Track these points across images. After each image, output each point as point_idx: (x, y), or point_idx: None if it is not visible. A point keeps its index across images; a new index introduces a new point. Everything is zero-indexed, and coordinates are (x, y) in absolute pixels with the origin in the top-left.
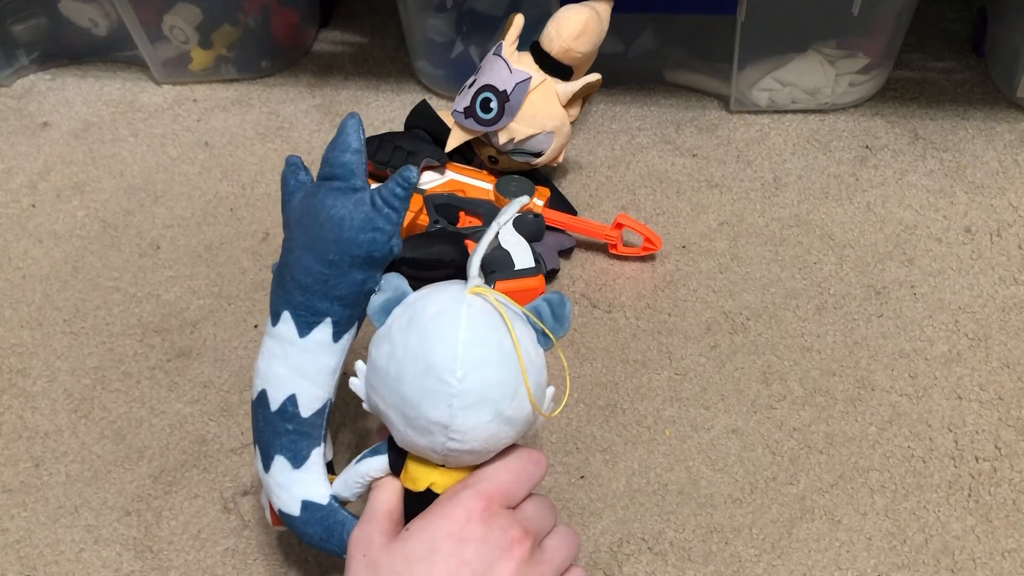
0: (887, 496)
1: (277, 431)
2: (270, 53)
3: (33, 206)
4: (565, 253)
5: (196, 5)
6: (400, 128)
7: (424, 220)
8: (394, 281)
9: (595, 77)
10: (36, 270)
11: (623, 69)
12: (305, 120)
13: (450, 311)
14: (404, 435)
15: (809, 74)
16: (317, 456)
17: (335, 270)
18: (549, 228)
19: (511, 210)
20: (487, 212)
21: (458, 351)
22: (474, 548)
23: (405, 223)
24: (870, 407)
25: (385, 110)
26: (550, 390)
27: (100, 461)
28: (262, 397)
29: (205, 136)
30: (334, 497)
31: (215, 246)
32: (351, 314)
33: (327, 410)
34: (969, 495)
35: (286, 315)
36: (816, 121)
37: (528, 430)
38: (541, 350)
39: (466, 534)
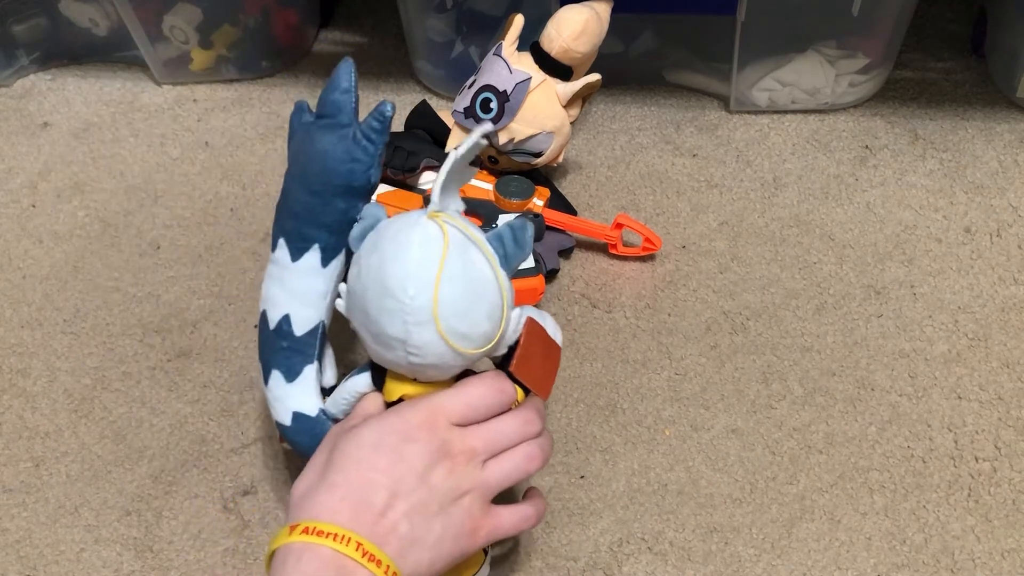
0: (887, 496)
1: (274, 348)
2: (270, 53)
3: (33, 206)
4: (565, 253)
5: (196, 5)
6: (400, 128)
7: None
8: (372, 210)
9: (595, 77)
10: (36, 270)
11: (623, 69)
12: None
13: (405, 233)
14: (374, 351)
15: (809, 74)
16: (309, 372)
17: (319, 199)
18: (549, 228)
19: (473, 136)
20: (487, 212)
21: (409, 269)
22: (416, 448)
23: None
24: (870, 407)
25: None
26: (516, 312)
27: (100, 461)
28: (263, 317)
29: (205, 136)
30: (323, 411)
31: (215, 246)
32: (337, 241)
33: (320, 331)
34: (969, 495)
35: (281, 242)
36: (816, 121)
37: (496, 347)
38: (502, 272)
39: (413, 435)
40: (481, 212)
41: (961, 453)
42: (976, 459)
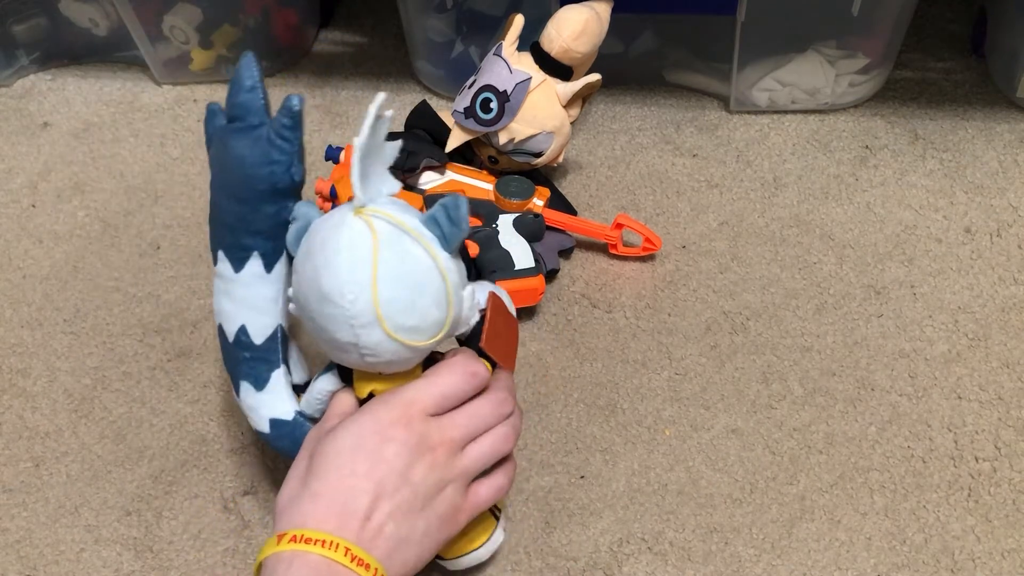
0: (887, 496)
1: (237, 359)
2: (270, 53)
3: (33, 206)
4: (565, 253)
5: (196, 5)
6: (400, 128)
7: None
8: (303, 209)
9: (595, 77)
10: (36, 270)
11: (623, 69)
12: (305, 120)
13: (332, 237)
14: (330, 353)
15: (809, 74)
16: (277, 378)
17: (247, 207)
18: (549, 228)
19: (369, 117)
20: (487, 212)
21: (342, 276)
22: (394, 448)
23: None
24: (870, 407)
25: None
26: (467, 290)
27: (100, 461)
28: (220, 331)
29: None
30: (300, 413)
31: None
32: (275, 245)
33: (279, 335)
34: (969, 495)
35: (220, 254)
36: (816, 121)
37: (452, 329)
38: (442, 255)
39: (389, 434)
40: (481, 212)
41: (961, 453)
42: (976, 459)
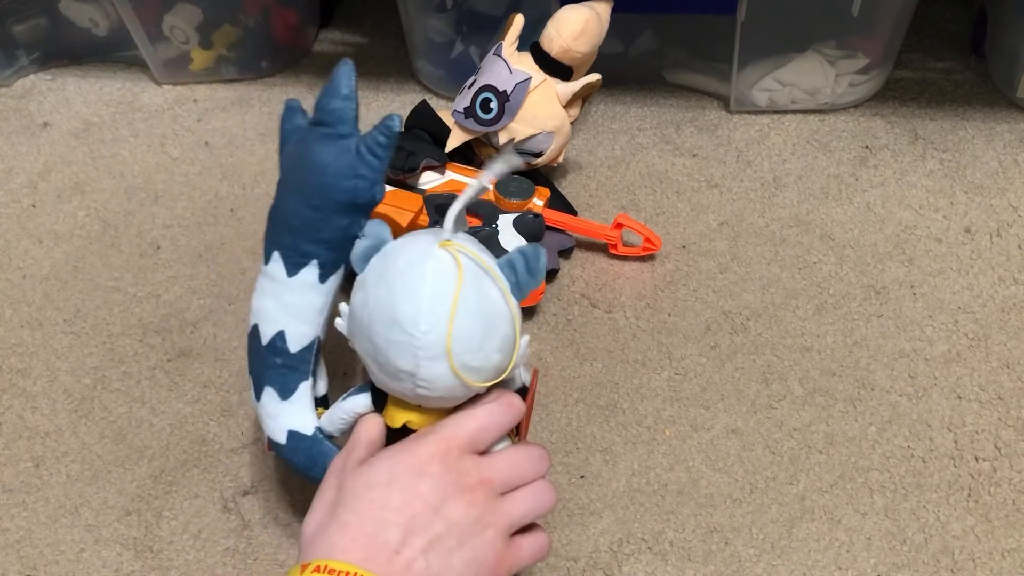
0: (887, 496)
1: (267, 364)
2: (270, 53)
3: (33, 206)
4: (565, 253)
5: (196, 5)
6: (400, 128)
7: (424, 220)
8: (376, 228)
9: (595, 77)
10: (36, 270)
11: (623, 69)
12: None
13: (417, 265)
14: (379, 378)
15: (809, 74)
16: (304, 389)
17: (319, 214)
18: (549, 228)
19: (507, 152)
20: (487, 212)
21: (421, 306)
22: (430, 483)
23: (405, 223)
24: (870, 407)
25: (385, 110)
26: (525, 339)
27: (100, 461)
28: (255, 331)
29: (205, 136)
30: (320, 430)
31: (215, 246)
32: (336, 257)
33: (315, 347)
34: (969, 495)
35: (276, 255)
36: (816, 121)
37: (504, 377)
38: (514, 301)
39: (426, 470)
40: (481, 212)
41: (961, 453)
42: (976, 459)
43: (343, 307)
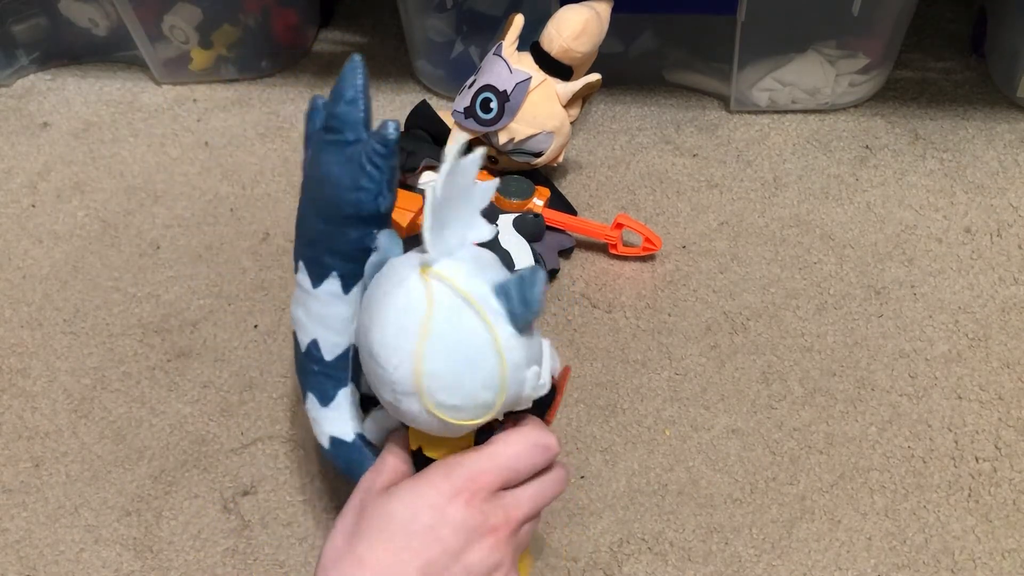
0: (887, 496)
1: (306, 370)
2: (270, 53)
3: (33, 206)
4: (565, 253)
5: (196, 5)
6: (397, 135)
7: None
8: (384, 242)
9: (595, 77)
10: (36, 270)
11: (623, 69)
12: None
13: (391, 294)
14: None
15: (809, 74)
16: (343, 396)
17: (332, 227)
18: (549, 228)
19: (456, 146)
20: (487, 212)
21: (388, 339)
22: (451, 528)
23: (405, 223)
24: (870, 407)
25: (385, 110)
26: (533, 370)
27: (100, 461)
28: (295, 337)
29: (205, 136)
30: (360, 436)
31: (215, 246)
32: (355, 268)
33: (351, 354)
34: (969, 495)
35: (301, 265)
36: (816, 121)
37: (504, 411)
38: (503, 334)
39: (448, 512)
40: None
41: (961, 453)
42: (976, 459)
43: None
